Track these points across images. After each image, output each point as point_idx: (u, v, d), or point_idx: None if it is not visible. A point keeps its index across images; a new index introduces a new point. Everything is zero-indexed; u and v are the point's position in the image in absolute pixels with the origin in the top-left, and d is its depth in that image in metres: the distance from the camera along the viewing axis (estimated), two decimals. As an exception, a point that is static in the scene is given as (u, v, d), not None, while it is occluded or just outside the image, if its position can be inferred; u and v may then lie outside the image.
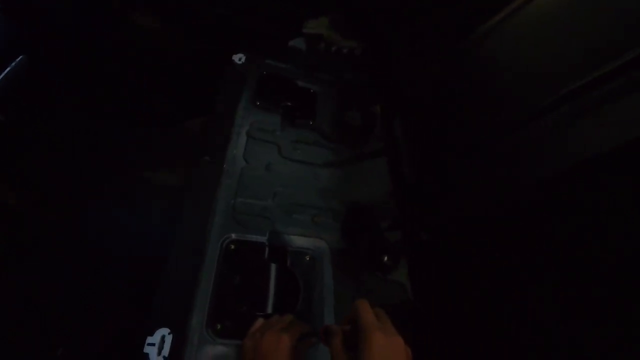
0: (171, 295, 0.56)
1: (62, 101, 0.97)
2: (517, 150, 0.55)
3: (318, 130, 0.86)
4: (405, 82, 0.86)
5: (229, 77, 0.86)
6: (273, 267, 0.64)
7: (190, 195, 0.67)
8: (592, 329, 0.43)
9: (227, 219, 0.66)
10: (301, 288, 0.63)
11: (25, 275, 0.75)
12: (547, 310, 0.49)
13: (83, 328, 0.71)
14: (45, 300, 0.72)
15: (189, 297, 0.56)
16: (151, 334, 0.51)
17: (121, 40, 1.07)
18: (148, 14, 1.08)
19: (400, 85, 0.88)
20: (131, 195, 0.90)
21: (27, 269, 0.75)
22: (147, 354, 0.50)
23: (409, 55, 0.84)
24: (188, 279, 0.58)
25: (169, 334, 0.52)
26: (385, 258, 0.64)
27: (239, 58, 0.88)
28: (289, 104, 0.86)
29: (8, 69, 0.82)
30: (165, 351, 0.50)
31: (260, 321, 0.55)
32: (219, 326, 0.55)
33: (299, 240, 0.69)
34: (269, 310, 0.60)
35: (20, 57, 0.84)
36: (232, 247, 0.64)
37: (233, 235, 0.65)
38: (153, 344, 0.50)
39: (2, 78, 0.81)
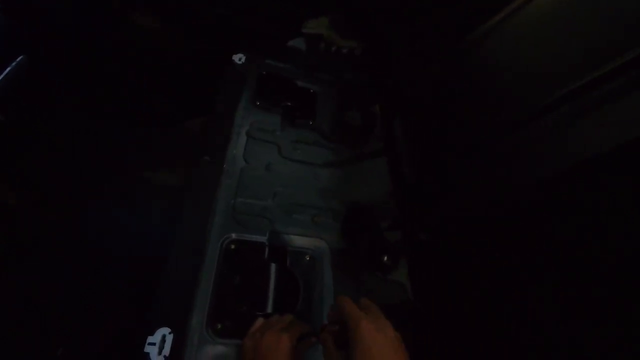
0: (171, 295, 0.56)
1: (62, 101, 0.97)
2: (517, 150, 0.55)
3: (318, 130, 0.86)
4: (405, 82, 0.86)
5: (229, 77, 0.86)
6: (273, 267, 0.64)
7: (190, 195, 0.67)
8: (592, 329, 0.43)
9: (227, 219, 0.66)
10: (301, 288, 0.63)
11: (25, 275, 0.75)
12: (547, 310, 0.49)
13: (83, 328, 0.71)
14: (45, 300, 0.72)
15: (189, 297, 0.56)
16: (152, 334, 0.51)
17: (121, 40, 1.07)
18: (148, 14, 1.08)
19: (400, 85, 0.88)
20: (131, 195, 0.90)
21: (27, 269, 0.75)
22: (147, 354, 0.50)
23: (408, 55, 0.84)
24: (188, 279, 0.58)
25: (169, 333, 0.52)
26: (385, 258, 0.64)
27: (239, 58, 0.88)
28: (289, 104, 0.86)
29: (8, 68, 0.82)
30: (166, 351, 0.50)
31: (260, 321, 0.55)
32: (219, 326, 0.56)
33: (298, 240, 0.69)
34: (269, 310, 0.60)
35: (21, 57, 0.84)
36: (232, 246, 0.64)
37: (233, 235, 0.65)
38: (154, 344, 0.51)
39: (2, 78, 0.81)
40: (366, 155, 0.86)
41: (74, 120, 0.96)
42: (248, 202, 0.70)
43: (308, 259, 0.67)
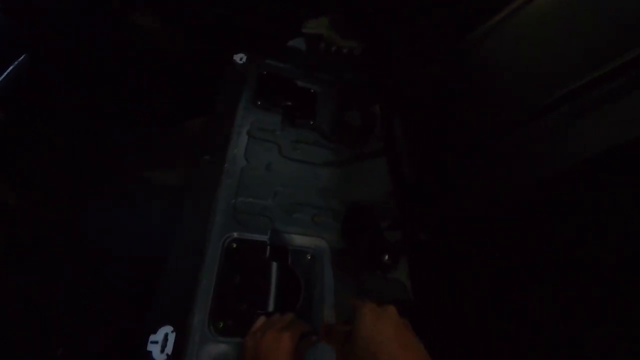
0: (173, 293, 0.56)
1: (62, 101, 0.97)
2: (517, 150, 0.55)
3: (318, 130, 0.86)
4: (405, 82, 0.86)
5: (230, 77, 0.86)
6: (274, 265, 0.64)
7: (191, 194, 0.67)
8: (592, 329, 0.43)
9: (228, 218, 0.66)
10: (302, 287, 0.63)
11: (25, 275, 0.75)
12: (547, 310, 0.49)
13: (83, 328, 0.71)
14: (45, 300, 0.72)
15: (191, 295, 0.56)
16: (154, 332, 0.51)
17: (121, 40, 1.07)
18: (148, 14, 1.08)
19: (400, 85, 0.88)
20: (131, 195, 0.90)
21: (27, 269, 0.75)
22: (150, 352, 0.50)
23: (408, 55, 0.84)
24: (190, 278, 0.58)
25: (172, 332, 0.52)
26: (385, 257, 0.64)
27: (240, 58, 0.88)
28: (289, 103, 0.86)
29: (11, 67, 0.82)
30: (169, 349, 0.51)
31: (261, 319, 0.55)
32: (220, 324, 0.56)
33: (299, 240, 0.69)
34: (270, 308, 0.60)
35: (23, 56, 0.84)
36: (234, 245, 0.64)
37: (235, 234, 0.65)
38: (156, 342, 0.51)
39: (4, 77, 0.81)
40: (366, 155, 0.86)
41: (74, 120, 0.96)
42: (249, 202, 0.70)
43: (309, 258, 0.67)
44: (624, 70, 0.42)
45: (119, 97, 1.04)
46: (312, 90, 0.92)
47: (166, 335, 0.51)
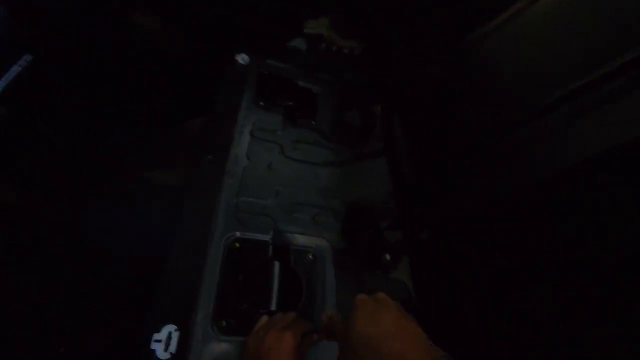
0: (175, 292, 0.57)
1: (62, 101, 0.96)
2: (517, 150, 0.55)
3: (319, 130, 0.87)
4: (405, 82, 0.86)
5: (231, 77, 0.87)
6: (276, 265, 0.64)
7: (192, 194, 0.68)
8: (592, 329, 0.43)
9: (230, 218, 0.67)
10: (304, 286, 0.63)
11: (25, 275, 0.75)
12: (547, 310, 0.49)
13: (83, 328, 0.71)
14: (45, 300, 0.72)
15: (194, 295, 0.57)
16: (157, 331, 0.51)
17: (121, 40, 1.06)
18: (148, 14, 1.08)
19: (400, 85, 0.88)
20: (131, 195, 0.89)
21: (27, 269, 0.75)
22: (154, 350, 0.50)
23: (408, 55, 0.84)
24: (193, 277, 0.58)
25: (175, 330, 0.52)
26: (386, 257, 0.65)
27: (241, 58, 0.88)
28: (290, 104, 0.87)
29: (16, 67, 0.82)
30: (172, 348, 0.51)
31: (263, 319, 0.55)
32: (223, 323, 0.56)
33: (300, 239, 0.69)
34: (272, 307, 0.60)
35: (26, 55, 0.84)
36: (236, 245, 0.64)
37: (237, 234, 0.65)
38: (160, 341, 0.51)
39: (12, 77, 0.81)
40: (366, 155, 0.87)
41: (74, 120, 0.96)
42: (250, 201, 0.70)
43: (311, 257, 0.68)
44: (624, 70, 0.42)
45: (119, 97, 1.04)
46: (313, 90, 0.92)
47: (170, 334, 0.52)
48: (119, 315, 0.74)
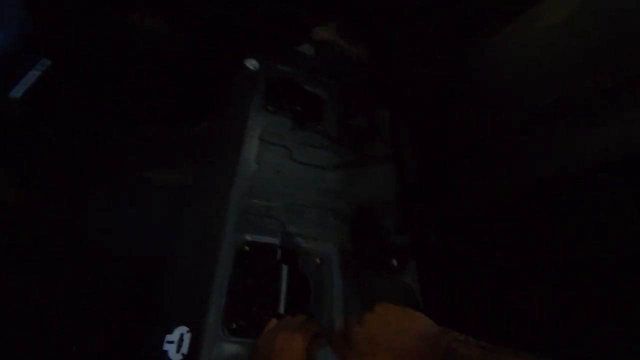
0: (186, 294, 0.58)
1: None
2: (518, 151, 0.55)
3: (326, 134, 0.88)
4: (408, 86, 0.86)
5: (240, 82, 0.88)
6: (285, 268, 0.65)
7: (201, 196, 0.68)
8: (592, 329, 0.43)
9: (241, 221, 0.68)
10: (312, 289, 0.64)
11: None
12: (547, 310, 0.49)
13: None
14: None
15: (205, 297, 0.57)
16: (170, 332, 0.51)
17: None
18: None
19: (403, 88, 0.88)
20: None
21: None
22: (166, 351, 0.51)
23: (409, 56, 0.85)
24: (203, 279, 0.59)
25: (187, 332, 0.52)
26: (393, 261, 0.65)
27: (251, 63, 0.89)
28: (298, 108, 0.88)
29: (35, 71, 0.84)
30: (184, 349, 0.51)
31: (273, 321, 0.56)
32: (233, 325, 0.57)
33: (308, 243, 0.70)
34: (281, 310, 0.61)
35: (44, 60, 0.86)
36: (246, 248, 0.65)
37: (247, 237, 0.66)
38: (172, 342, 0.51)
39: (32, 82, 0.82)
40: (373, 158, 0.87)
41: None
42: (260, 205, 0.71)
43: (318, 260, 0.68)
44: (627, 74, 0.42)
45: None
46: (320, 95, 0.94)
47: (182, 335, 0.52)
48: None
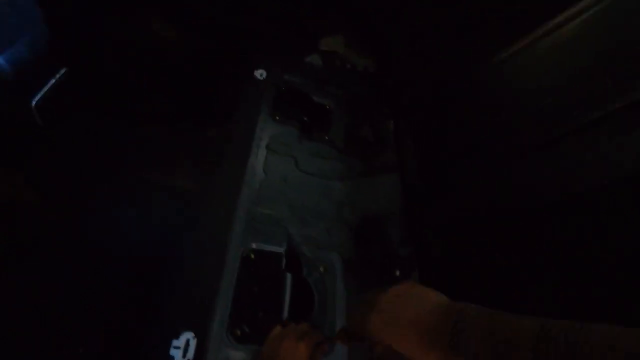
0: (192, 299, 0.58)
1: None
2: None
3: (333, 144, 0.88)
4: (406, 83, 0.86)
5: (249, 90, 0.88)
6: (289, 277, 0.65)
7: (210, 203, 0.69)
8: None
9: (247, 229, 0.68)
10: (316, 298, 0.65)
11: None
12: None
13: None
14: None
15: (211, 303, 0.58)
16: (176, 337, 0.52)
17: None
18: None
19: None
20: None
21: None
22: (172, 357, 0.51)
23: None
24: (209, 285, 0.59)
25: (193, 337, 0.53)
26: (397, 271, 0.65)
27: (260, 74, 0.90)
28: (306, 118, 0.89)
29: (53, 80, 0.87)
30: (190, 354, 0.52)
31: (277, 329, 0.56)
32: (238, 332, 0.57)
33: (313, 251, 0.71)
34: (285, 318, 0.62)
35: (63, 69, 0.89)
36: (252, 256, 0.66)
37: (253, 245, 0.67)
38: (178, 347, 0.52)
39: (48, 88, 0.85)
40: (379, 169, 0.88)
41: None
42: (266, 213, 0.72)
43: (322, 269, 0.68)
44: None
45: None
46: (328, 106, 0.95)
47: (188, 340, 0.53)
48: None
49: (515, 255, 0.56)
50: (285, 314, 0.62)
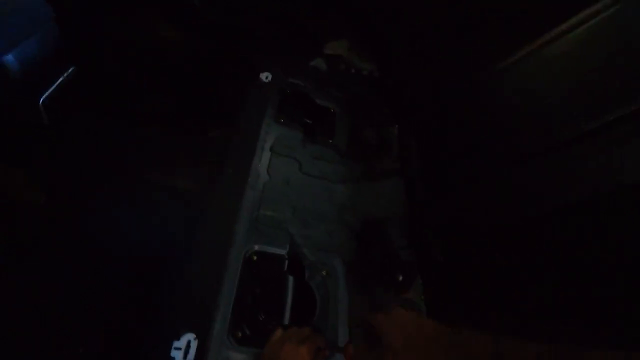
0: (193, 301, 0.58)
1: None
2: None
3: (336, 147, 0.88)
4: (406, 83, 0.86)
5: (253, 93, 0.88)
6: (291, 279, 0.65)
7: (214, 205, 0.68)
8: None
9: (250, 231, 0.68)
10: (318, 301, 0.64)
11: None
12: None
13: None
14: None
15: (212, 304, 0.57)
16: (177, 339, 0.52)
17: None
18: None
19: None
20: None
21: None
22: (173, 358, 0.51)
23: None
24: (211, 286, 0.59)
25: (194, 339, 0.52)
26: (400, 277, 0.65)
27: (265, 77, 0.90)
28: (310, 121, 0.89)
29: (61, 78, 0.88)
30: (191, 356, 0.52)
31: (279, 332, 0.56)
32: (239, 334, 0.57)
33: (316, 255, 0.70)
34: (287, 321, 0.61)
35: (71, 67, 0.90)
36: (254, 258, 0.65)
37: (255, 247, 0.67)
38: (179, 349, 0.52)
39: (55, 87, 0.86)
40: (382, 173, 0.88)
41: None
42: (269, 215, 0.72)
43: (324, 273, 0.68)
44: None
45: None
46: (332, 109, 0.95)
47: (189, 342, 0.53)
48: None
49: (515, 258, 0.56)
50: (287, 317, 0.62)
